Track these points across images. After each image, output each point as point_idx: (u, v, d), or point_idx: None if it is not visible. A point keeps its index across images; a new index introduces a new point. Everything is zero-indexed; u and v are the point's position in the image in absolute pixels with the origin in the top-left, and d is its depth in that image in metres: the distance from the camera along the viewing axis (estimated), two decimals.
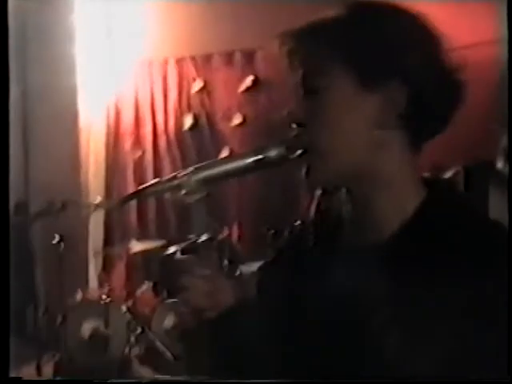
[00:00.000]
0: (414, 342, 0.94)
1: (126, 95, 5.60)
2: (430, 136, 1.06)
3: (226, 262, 4.27)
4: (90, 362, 4.27)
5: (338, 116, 1.01)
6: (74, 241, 4.59)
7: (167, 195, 1.07)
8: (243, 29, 5.06)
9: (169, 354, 4.20)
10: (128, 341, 4.25)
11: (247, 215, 5.32)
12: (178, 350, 4.13)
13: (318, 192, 1.80)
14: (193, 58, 5.45)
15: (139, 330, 4.29)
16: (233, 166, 1.09)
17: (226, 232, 4.87)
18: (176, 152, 5.51)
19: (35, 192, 5.10)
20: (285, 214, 4.68)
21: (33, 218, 4.46)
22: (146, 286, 4.61)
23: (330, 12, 1.03)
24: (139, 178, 5.55)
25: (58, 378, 3.95)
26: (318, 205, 1.78)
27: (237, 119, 5.34)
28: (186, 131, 5.50)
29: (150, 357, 4.31)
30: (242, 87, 5.32)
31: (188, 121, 5.49)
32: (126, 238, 4.96)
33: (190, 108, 5.50)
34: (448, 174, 2.03)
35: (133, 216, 5.52)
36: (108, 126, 5.63)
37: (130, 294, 4.57)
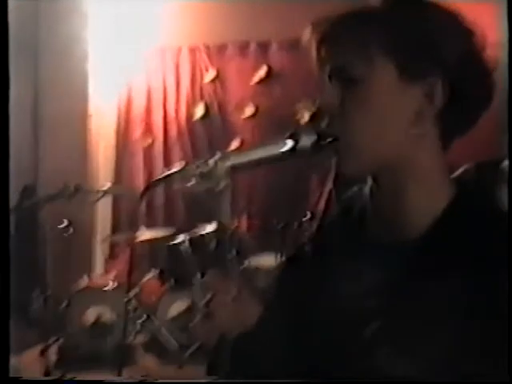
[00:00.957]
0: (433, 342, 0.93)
1: (138, 83, 5.58)
2: (460, 134, 1.04)
3: (234, 253, 4.25)
4: (94, 348, 4.27)
5: (375, 107, 0.99)
6: (82, 226, 4.58)
7: (190, 183, 1.03)
8: (259, 19, 5.04)
9: (173, 343, 4.19)
10: (133, 328, 4.24)
11: (257, 207, 5.31)
12: (183, 338, 4.13)
13: (329, 185, 1.75)
14: (206, 47, 5.43)
15: (144, 317, 4.28)
16: (264, 154, 1.05)
17: (235, 223, 4.86)
18: (186, 141, 5.50)
19: (45, 177, 5.10)
20: (295, 206, 4.67)
21: (42, 202, 4.45)
22: (152, 274, 4.60)
23: (368, 2, 1.01)
24: (149, 165, 5.55)
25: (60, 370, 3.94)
26: (329, 199, 1.74)
27: (249, 110, 5.31)
28: (197, 120, 5.49)
29: (155, 345, 4.31)
30: (256, 78, 5.30)
31: (199, 110, 5.47)
32: (133, 226, 4.96)
33: (201, 97, 5.48)
34: (458, 172, 2.00)
35: (141, 204, 5.51)
36: (119, 113, 5.62)
37: (136, 282, 4.56)
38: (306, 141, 1.01)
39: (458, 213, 1.01)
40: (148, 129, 5.59)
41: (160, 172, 5.39)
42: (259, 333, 1.05)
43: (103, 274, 5.20)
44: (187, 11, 5.36)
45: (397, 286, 0.99)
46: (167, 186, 5.22)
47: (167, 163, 5.40)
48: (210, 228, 4.00)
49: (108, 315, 4.34)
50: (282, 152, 1.03)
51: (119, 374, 3.52)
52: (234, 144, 5.16)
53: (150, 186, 1.11)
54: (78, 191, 4.06)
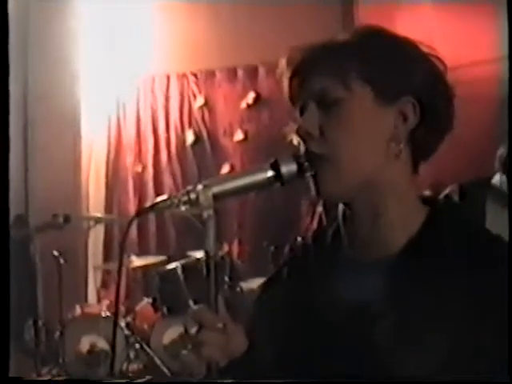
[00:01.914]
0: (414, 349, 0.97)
1: (127, 110, 5.63)
2: (426, 156, 1.09)
3: (226, 278, 4.26)
4: (88, 377, 4.24)
5: (353, 129, 1.04)
6: (74, 255, 4.58)
7: (178, 210, 1.05)
8: (245, 45, 5.10)
9: (166, 370, 4.17)
10: (127, 356, 4.22)
11: (247, 231, 5.32)
12: (175, 366, 4.11)
13: (320, 208, 1.78)
14: (194, 74, 5.48)
15: (138, 345, 4.27)
16: (246, 182, 1.07)
17: (226, 248, 4.87)
18: (177, 167, 5.53)
19: (35, 205, 5.10)
20: (286, 230, 4.68)
21: (33, 231, 4.45)
22: (145, 302, 4.60)
23: (340, 35, 1.07)
24: (140, 192, 5.56)
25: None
26: (320, 221, 1.77)
27: (238, 135, 5.36)
28: (187, 147, 5.52)
29: (148, 372, 4.28)
30: (244, 103, 5.35)
31: (189, 136, 5.51)
32: (125, 254, 4.95)
33: (191, 124, 5.53)
34: (445, 192, 2.04)
35: (133, 231, 5.52)
36: (109, 141, 5.66)
37: (129, 310, 4.54)
38: (286, 169, 1.05)
39: (432, 231, 1.05)
40: (138, 156, 5.62)
41: (151, 199, 5.41)
42: (245, 359, 1.07)
43: (96, 303, 5.18)
44: (175, 39, 5.42)
45: (373, 304, 1.02)
46: (158, 214, 5.25)
47: (158, 190, 5.42)
48: (199, 255, 4.00)
49: (101, 344, 4.32)
50: (264, 180, 1.06)
51: None
52: (224, 169, 5.20)
53: (137, 214, 1.10)
54: (68, 220, 4.07)
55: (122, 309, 4.54)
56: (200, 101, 5.49)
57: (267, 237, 4.67)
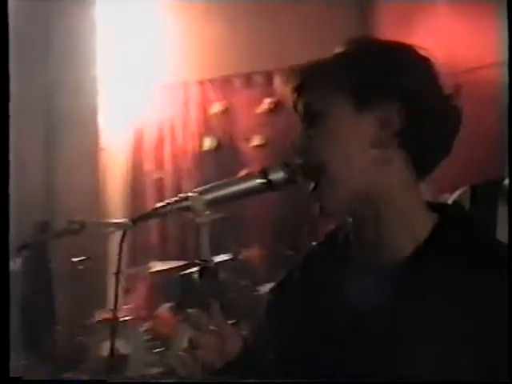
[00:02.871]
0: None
1: (147, 117, 5.69)
2: (434, 161, 1.12)
3: (244, 282, 4.29)
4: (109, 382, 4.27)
5: (336, 138, 1.08)
6: (95, 261, 4.62)
7: (185, 217, 1.09)
8: (262, 51, 5.13)
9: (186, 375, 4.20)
10: (148, 360, 4.26)
11: (266, 236, 5.34)
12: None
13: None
14: (212, 81, 5.53)
15: (159, 349, 4.30)
16: (237, 189, 1.13)
17: (245, 253, 4.89)
18: (196, 173, 5.57)
19: (57, 212, 5.15)
20: (303, 234, 4.70)
21: (54, 237, 4.50)
22: (165, 306, 4.63)
23: (335, 48, 1.13)
24: (159, 199, 5.59)
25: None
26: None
27: (256, 141, 5.38)
28: (206, 153, 5.56)
29: (168, 377, 4.31)
30: (261, 109, 5.37)
31: (208, 143, 5.55)
32: (146, 259, 5.00)
33: (209, 130, 5.57)
34: (455, 195, 2.04)
35: (154, 236, 5.57)
36: (129, 147, 5.72)
37: (150, 314, 4.58)
38: (274, 176, 1.11)
39: (440, 239, 1.07)
40: (158, 162, 5.67)
41: None
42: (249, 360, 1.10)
43: (117, 308, 5.22)
44: (193, 46, 5.48)
45: (379, 309, 1.05)
46: (181, 219, 5.29)
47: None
48: (219, 258, 4.03)
49: (123, 349, 4.35)
50: (254, 186, 1.12)
51: None
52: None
53: (134, 221, 1.16)
54: (84, 226, 4.10)
55: (143, 313, 4.58)
56: (218, 106, 5.53)
57: (285, 241, 4.69)
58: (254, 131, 5.40)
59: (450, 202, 1.43)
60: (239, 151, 5.48)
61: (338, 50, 1.12)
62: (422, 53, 1.10)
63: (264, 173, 1.12)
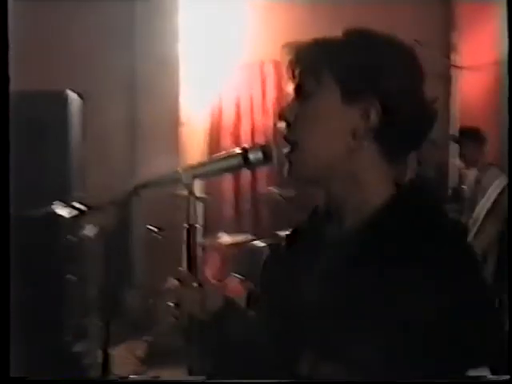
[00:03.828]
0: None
1: (226, 94, 5.86)
2: (406, 151, 1.20)
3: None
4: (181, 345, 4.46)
5: (321, 120, 1.16)
6: (170, 229, 4.82)
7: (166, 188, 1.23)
8: (338, 30, 5.15)
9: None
10: None
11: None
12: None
13: None
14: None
15: None
16: (220, 166, 1.27)
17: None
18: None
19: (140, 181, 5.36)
20: None
21: (132, 194, 4.68)
22: (232, 277, 4.81)
23: (332, 34, 1.19)
24: (237, 174, 5.77)
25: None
26: None
27: None
28: (281, 131, 5.65)
29: None
30: None
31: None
32: (217, 230, 5.19)
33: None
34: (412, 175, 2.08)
35: (228, 210, 5.77)
36: (209, 124, 5.93)
37: (220, 283, 4.76)
38: (253, 156, 1.24)
39: (393, 210, 1.15)
40: (237, 139, 5.84)
41: (246, 179, 5.64)
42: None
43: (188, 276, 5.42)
44: (271, 26, 5.60)
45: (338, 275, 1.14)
46: (253, 195, 5.46)
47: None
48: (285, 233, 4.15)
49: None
50: (235, 164, 1.25)
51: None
52: None
53: (132, 193, 1.30)
54: (167, 196, 4.29)
55: (213, 282, 4.76)
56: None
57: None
58: None
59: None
60: None
61: (334, 36, 1.17)
62: (414, 53, 1.17)
63: (245, 152, 1.24)
